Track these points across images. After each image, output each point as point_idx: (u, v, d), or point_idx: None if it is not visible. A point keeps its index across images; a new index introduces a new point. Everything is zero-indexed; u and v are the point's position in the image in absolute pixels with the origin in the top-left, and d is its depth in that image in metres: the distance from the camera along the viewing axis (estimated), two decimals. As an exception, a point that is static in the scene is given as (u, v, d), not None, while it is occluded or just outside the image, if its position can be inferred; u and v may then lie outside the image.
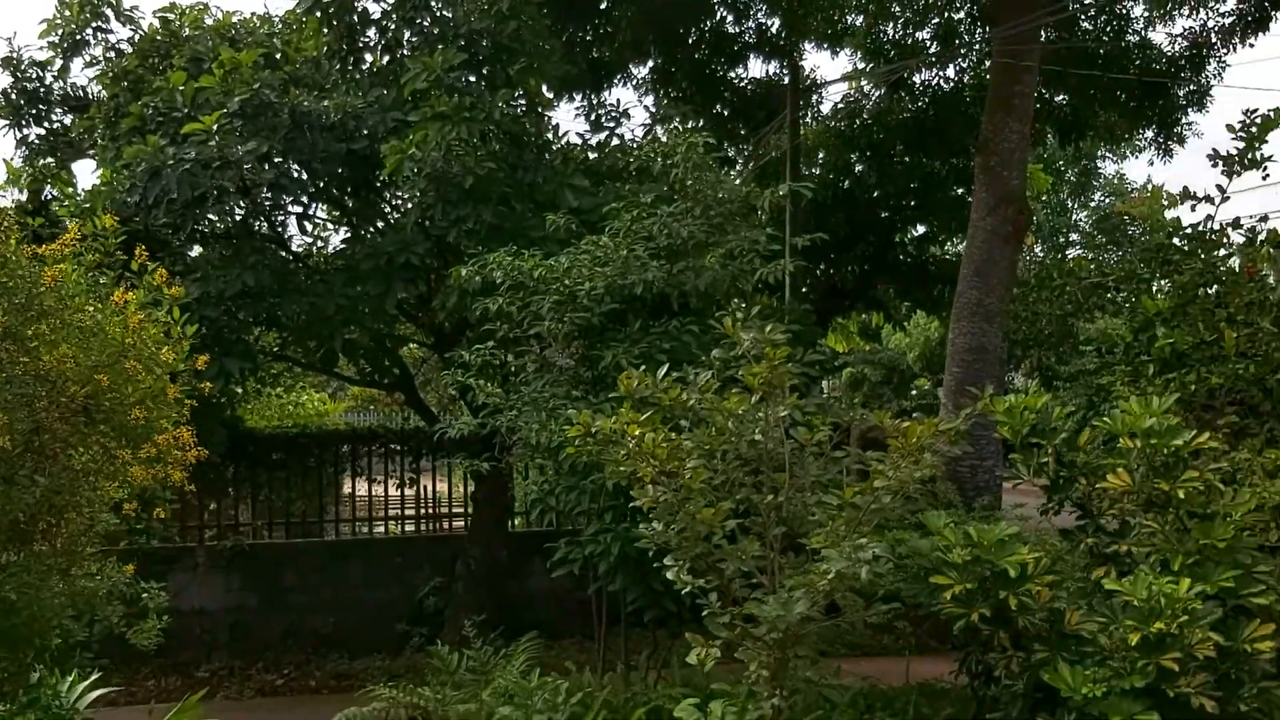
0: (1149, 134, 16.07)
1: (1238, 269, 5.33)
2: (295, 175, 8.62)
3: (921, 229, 19.58)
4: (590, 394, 6.26)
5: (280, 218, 9.68)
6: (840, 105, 18.12)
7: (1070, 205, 29.42)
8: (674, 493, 3.95)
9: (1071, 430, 4.67)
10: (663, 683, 6.32)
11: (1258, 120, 5.55)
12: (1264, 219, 5.88)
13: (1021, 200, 12.25)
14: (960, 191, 17.34)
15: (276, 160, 8.29)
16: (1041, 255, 25.60)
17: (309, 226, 10.12)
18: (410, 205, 8.63)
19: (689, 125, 15.29)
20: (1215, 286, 5.33)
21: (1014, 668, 4.27)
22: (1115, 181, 30.59)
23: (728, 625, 3.73)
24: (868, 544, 3.60)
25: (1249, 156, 5.66)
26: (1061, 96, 15.81)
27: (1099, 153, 27.06)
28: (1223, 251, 5.68)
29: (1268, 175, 5.72)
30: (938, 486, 10.23)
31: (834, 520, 3.98)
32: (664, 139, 9.03)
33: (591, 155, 10.18)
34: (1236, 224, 5.81)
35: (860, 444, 6.97)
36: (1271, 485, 4.26)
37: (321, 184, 9.09)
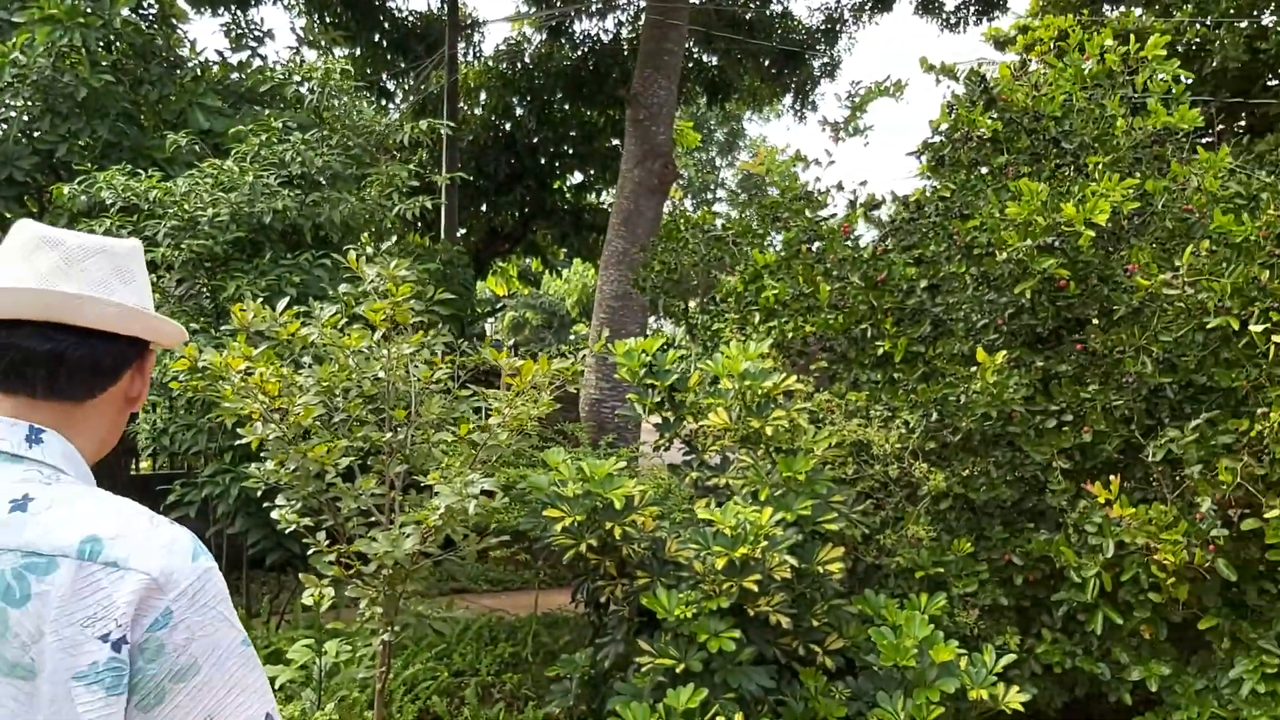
0: (787, 100, 17.27)
1: (837, 228, 5.84)
2: None
3: (579, 177, 20.02)
4: (212, 327, 5.93)
5: None
6: (502, 47, 18.09)
7: (718, 163, 31.08)
8: (285, 430, 3.84)
9: (682, 373, 4.97)
10: (285, 626, 6.17)
11: (860, 92, 6.08)
12: (864, 183, 6.48)
13: (668, 154, 12.80)
14: (616, 143, 17.88)
15: None
16: (691, 209, 26.99)
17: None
18: (12, 115, 7.75)
19: (343, 53, 14.72)
20: (817, 243, 5.81)
21: (618, 594, 4.52)
22: (760, 142, 32.66)
23: (335, 563, 3.69)
24: (477, 479, 3.66)
25: (852, 125, 6.18)
26: (710, 58, 16.63)
27: (745, 115, 28.70)
28: (827, 211, 6.21)
29: (868, 143, 6.29)
30: (581, 425, 10.59)
31: (451, 457, 4.03)
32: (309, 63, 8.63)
33: (233, 76, 9.57)
34: (840, 186, 6.36)
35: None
36: (849, 425, 4.74)
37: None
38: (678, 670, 4.15)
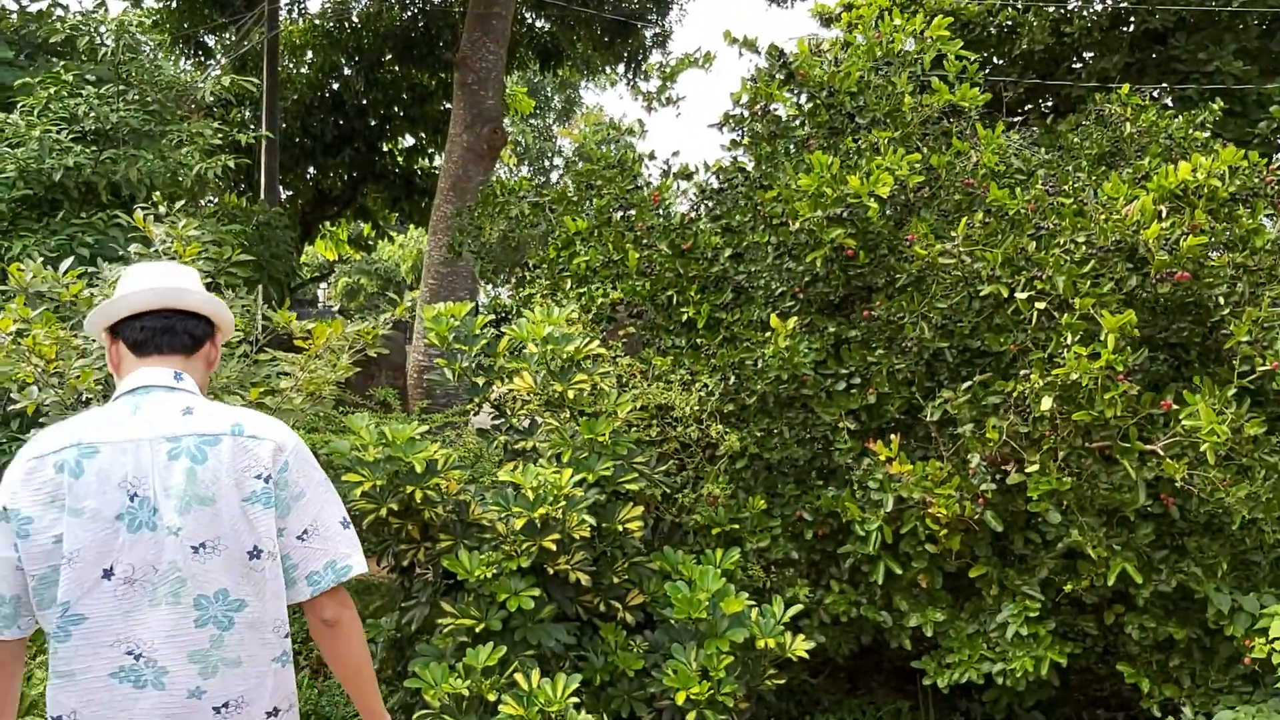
0: (620, 69, 17.36)
1: (648, 196, 5.96)
2: None
3: (410, 141, 19.68)
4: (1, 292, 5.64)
5: None
6: (328, 5, 17.58)
7: (555, 131, 31.00)
8: (63, 395, 3.71)
9: (491, 337, 5.00)
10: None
11: (671, 63, 6.19)
12: (676, 153, 6.62)
13: (498, 119, 12.72)
14: (448, 106, 17.64)
15: None
16: (528, 176, 26.88)
17: None
18: None
19: (157, 4, 14.03)
20: (629, 211, 5.92)
21: (421, 557, 4.55)
22: (596, 111, 32.71)
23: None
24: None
25: (665, 95, 6.29)
26: (543, 23, 16.56)
27: (581, 83, 28.70)
28: (640, 180, 6.31)
29: (680, 114, 6.42)
30: (391, 392, 10.47)
31: (243, 421, 3.96)
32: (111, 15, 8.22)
33: (30, 27, 9.03)
34: (653, 155, 6.48)
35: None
36: (652, 388, 4.88)
37: None
38: (478, 630, 4.22)
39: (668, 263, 5.52)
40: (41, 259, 4.94)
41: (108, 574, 2.15)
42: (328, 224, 22.46)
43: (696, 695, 4.23)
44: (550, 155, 30.40)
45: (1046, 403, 4.21)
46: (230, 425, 2.29)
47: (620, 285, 5.49)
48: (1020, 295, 4.45)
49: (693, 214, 6.01)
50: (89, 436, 2.19)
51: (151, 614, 2.17)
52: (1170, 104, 10.43)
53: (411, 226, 26.48)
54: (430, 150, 19.68)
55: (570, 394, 4.58)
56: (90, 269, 4.36)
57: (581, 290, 5.57)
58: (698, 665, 4.34)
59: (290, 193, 19.22)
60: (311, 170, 19.05)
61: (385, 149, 19.16)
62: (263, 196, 12.59)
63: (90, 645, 2.15)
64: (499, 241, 6.85)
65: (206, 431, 2.26)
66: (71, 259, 4.27)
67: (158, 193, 4.76)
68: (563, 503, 4.25)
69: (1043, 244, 4.63)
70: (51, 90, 5.94)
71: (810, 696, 5.56)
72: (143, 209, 4.25)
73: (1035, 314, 4.44)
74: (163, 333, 2.37)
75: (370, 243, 26.59)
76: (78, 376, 3.64)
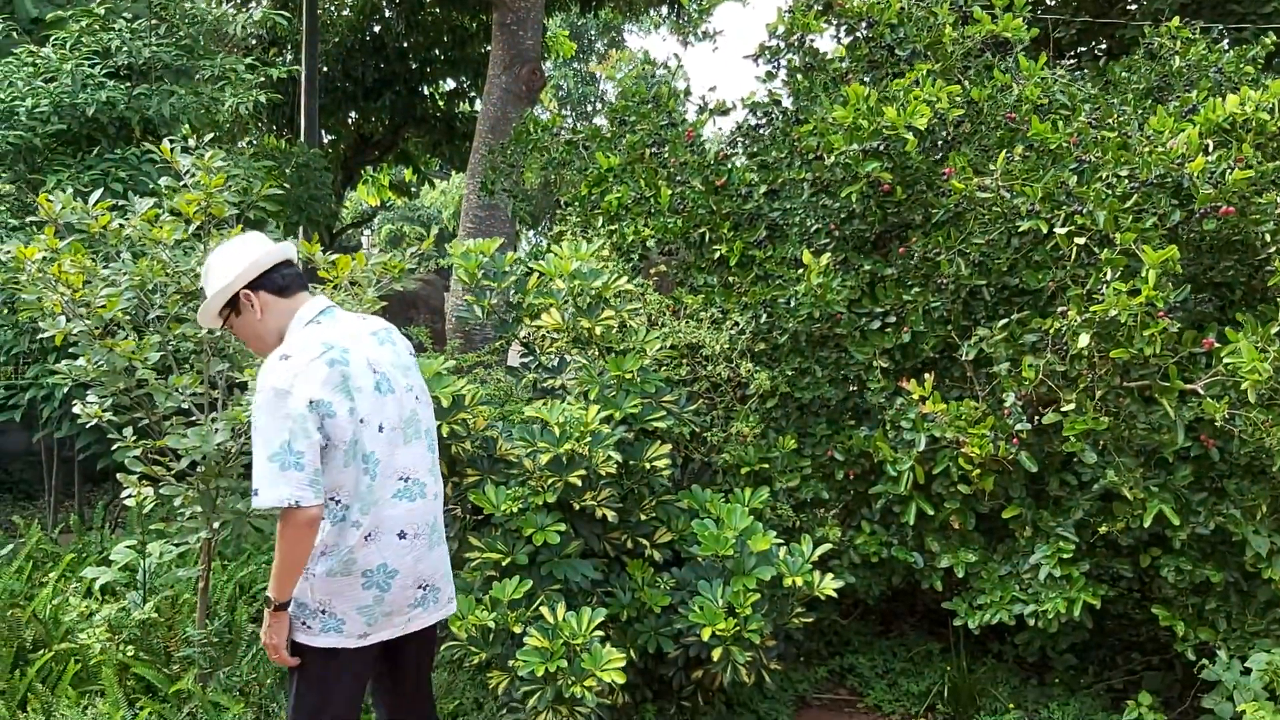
0: (663, 10, 17.09)
1: (681, 132, 5.85)
2: None
3: (451, 85, 19.56)
4: (36, 226, 5.68)
5: None
6: (368, -55, 17.44)
7: (598, 75, 30.71)
8: (90, 324, 3.72)
9: (520, 275, 4.96)
10: (121, 533, 6.06)
11: (706, -3, 6.05)
12: (713, 88, 6.49)
13: (536, 60, 12.58)
14: (488, 49, 17.48)
15: None
16: (570, 121, 26.64)
17: None
18: None
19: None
20: (662, 148, 5.83)
21: (449, 492, 4.56)
22: (640, 54, 32.32)
23: (146, 460, 3.62)
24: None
25: (700, 29, 6.15)
26: (583, -37, 16.31)
27: (625, 26, 28.33)
28: (675, 116, 6.20)
29: (717, 48, 6.28)
30: (450, 339, 10.47)
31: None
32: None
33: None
34: (688, 91, 6.36)
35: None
36: (682, 327, 4.82)
37: None
38: (505, 564, 4.22)
39: (701, 199, 5.43)
40: (74, 193, 4.95)
41: (380, 428, 2.92)
42: (369, 169, 22.46)
43: (722, 631, 4.21)
44: (592, 100, 30.12)
45: (1084, 340, 4.10)
46: (382, 327, 3.16)
47: (652, 223, 5.42)
48: (1060, 230, 4.32)
49: (728, 150, 5.90)
50: (333, 340, 2.89)
51: (406, 449, 3.02)
52: (1221, 39, 10.07)
53: (454, 172, 26.42)
54: (471, 94, 19.55)
55: (597, 330, 4.53)
56: (122, 202, 4.35)
57: (613, 228, 5.50)
58: (724, 602, 4.32)
59: (332, 137, 19.21)
60: (352, 114, 19.02)
61: (426, 92, 19.07)
62: (302, 139, 12.57)
63: (382, 477, 2.93)
64: (540, 189, 6.79)
65: (380, 326, 3.14)
66: (102, 191, 4.27)
67: (188, 125, 4.75)
68: (588, 439, 4.23)
69: (1084, 178, 4.49)
70: (84, 24, 5.92)
71: (840, 637, 5.54)
72: (172, 142, 4.23)
73: (1075, 249, 4.32)
74: (297, 277, 3.05)
75: (413, 188, 26.58)
76: (103, 305, 3.65)
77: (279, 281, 3.00)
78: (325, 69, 16.57)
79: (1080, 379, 4.26)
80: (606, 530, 4.57)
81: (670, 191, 5.47)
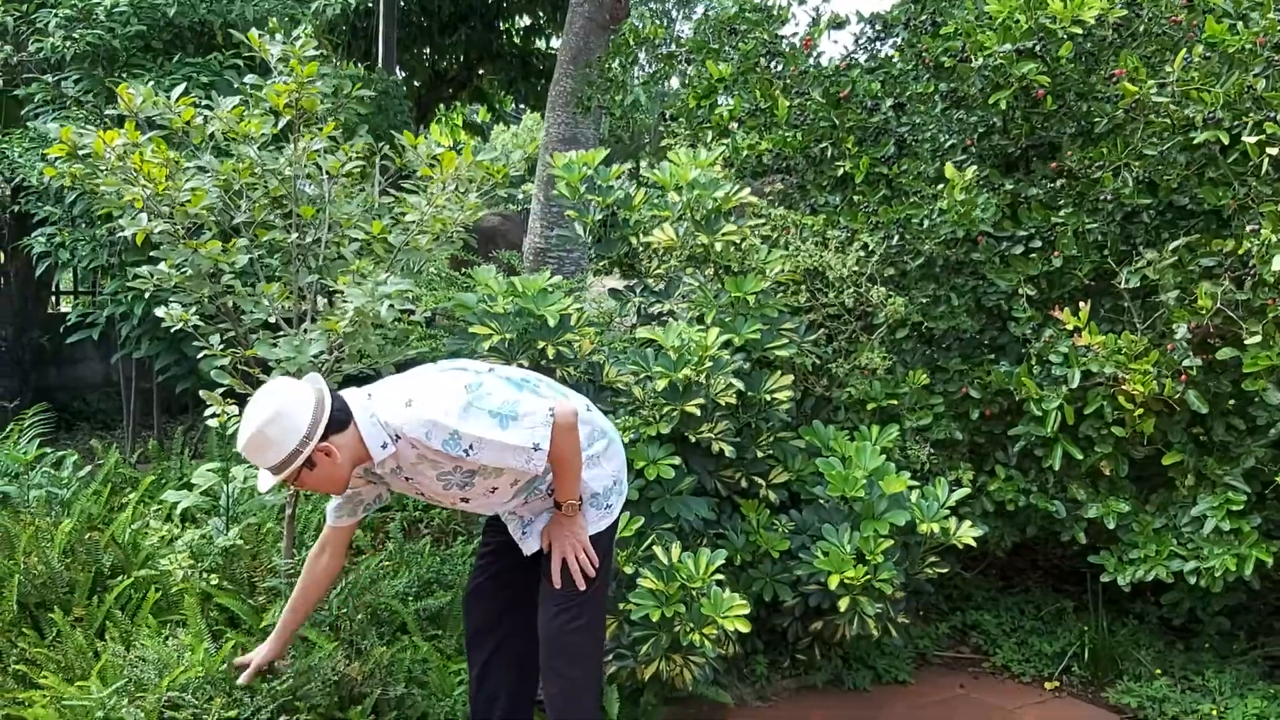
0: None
1: (798, 43, 5.38)
2: None
3: (527, 20, 19.07)
4: (116, 120, 5.39)
5: None
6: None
7: (675, 15, 29.94)
8: (173, 222, 3.40)
9: (626, 189, 4.57)
10: (202, 460, 5.82)
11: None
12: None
13: (620, -13, 12.08)
14: (567, -18, 16.95)
15: None
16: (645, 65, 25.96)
17: None
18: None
19: None
20: (776, 58, 5.36)
21: (551, 420, 4.20)
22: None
23: (232, 371, 3.31)
24: (392, 279, 3.26)
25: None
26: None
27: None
28: (788, 28, 5.72)
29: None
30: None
31: (362, 259, 3.62)
32: None
33: None
34: (802, 0, 5.87)
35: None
36: (805, 247, 4.39)
37: None
38: (612, 498, 3.86)
39: (821, 112, 4.97)
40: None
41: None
42: (443, 108, 22.10)
43: (851, 580, 3.83)
44: (669, 42, 29.34)
45: (1278, 263, 3.60)
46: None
47: (767, 137, 4.97)
48: (1249, 139, 3.80)
49: (846, 61, 5.41)
50: None
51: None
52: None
53: (527, 112, 25.96)
54: (548, 30, 19.04)
55: (717, 247, 4.12)
56: (205, 101, 4.01)
57: (724, 143, 5.06)
58: (852, 548, 3.93)
59: (406, 74, 18.85)
60: (427, 51, 18.63)
61: (502, 28, 18.61)
62: (379, 63, 12.24)
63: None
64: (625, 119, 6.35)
65: None
66: (183, 87, 3.93)
67: (274, 19, 4.40)
68: (708, 364, 3.83)
69: (1273, 82, 3.96)
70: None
71: (961, 591, 5.13)
72: (259, 33, 3.88)
73: (1265, 161, 3.80)
74: (341, 402, 2.77)
75: (486, 128, 26.18)
76: (188, 200, 3.32)
77: (339, 418, 2.70)
78: (402, 3, 16.19)
79: (1267, 308, 3.76)
80: (719, 467, 4.19)
81: (788, 103, 5.01)
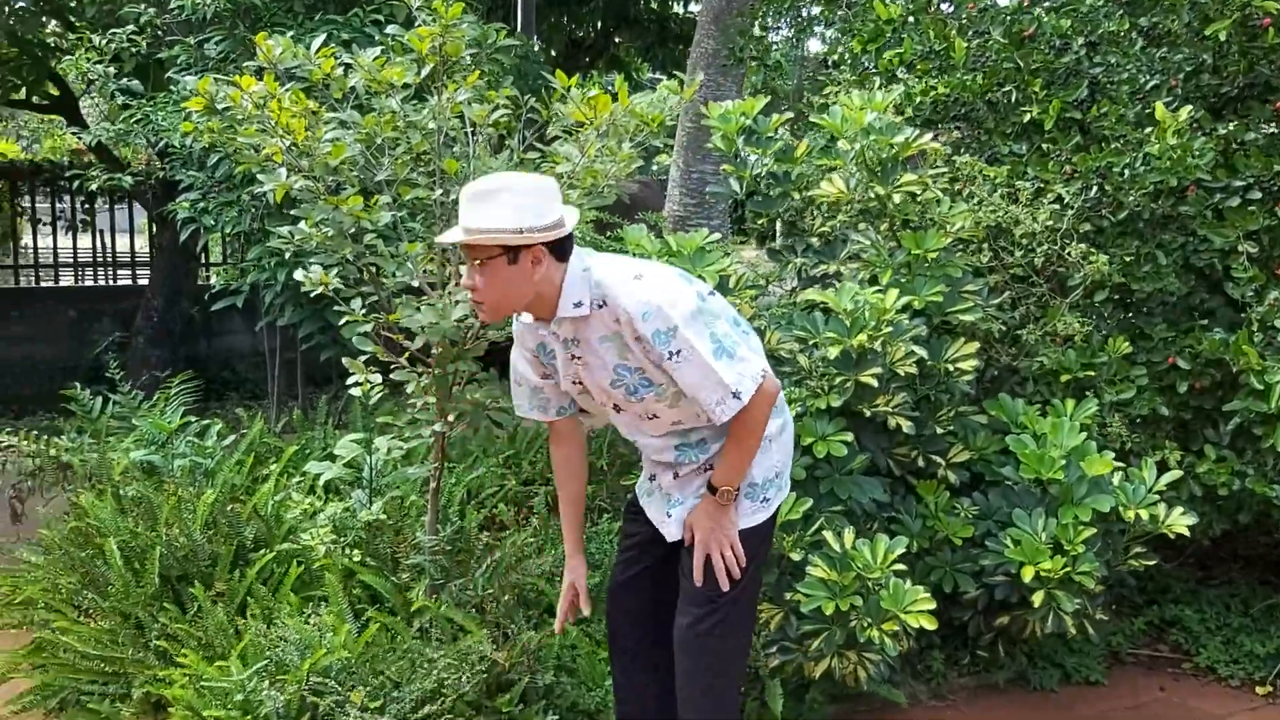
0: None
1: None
2: None
3: (665, -17, 18.70)
4: (255, 72, 5.27)
5: None
6: None
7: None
8: (313, 178, 3.19)
9: (788, 140, 4.20)
10: (345, 430, 5.71)
11: None
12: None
13: (763, -58, 11.61)
14: (706, -58, 16.50)
15: None
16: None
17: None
18: None
19: None
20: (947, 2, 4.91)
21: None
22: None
23: (373, 337, 3.09)
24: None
25: None
26: None
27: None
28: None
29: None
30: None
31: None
32: None
33: None
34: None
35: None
36: (994, 199, 3.94)
37: None
38: (777, 476, 3.52)
39: (1004, 52, 4.50)
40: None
41: None
42: (579, 76, 21.94)
43: (1048, 572, 3.41)
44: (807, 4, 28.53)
45: None
46: None
47: (943, 81, 4.53)
48: None
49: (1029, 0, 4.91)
50: None
51: None
52: None
53: (663, 84, 25.63)
54: (687, -7, 18.64)
55: (895, 198, 3.72)
56: (345, 55, 3.81)
57: (893, 90, 4.63)
58: (1048, 536, 3.51)
59: (543, 43, 18.71)
60: (565, 19, 18.44)
61: (639, -8, 18.28)
62: (518, 25, 12.07)
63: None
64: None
65: None
66: (324, 37, 3.73)
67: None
68: (885, 330, 3.45)
69: None
70: None
71: (1157, 583, 4.63)
72: (399, -21, 3.63)
73: None
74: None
75: (616, 95, 25.91)
76: (328, 152, 3.10)
77: (565, 245, 2.48)
78: (539, -34, 15.99)
79: None
80: (894, 444, 3.81)
81: (965, 45, 4.55)
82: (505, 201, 2.38)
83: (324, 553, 3.48)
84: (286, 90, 3.37)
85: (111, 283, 11.09)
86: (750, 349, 2.51)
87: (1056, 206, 4.00)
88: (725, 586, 2.61)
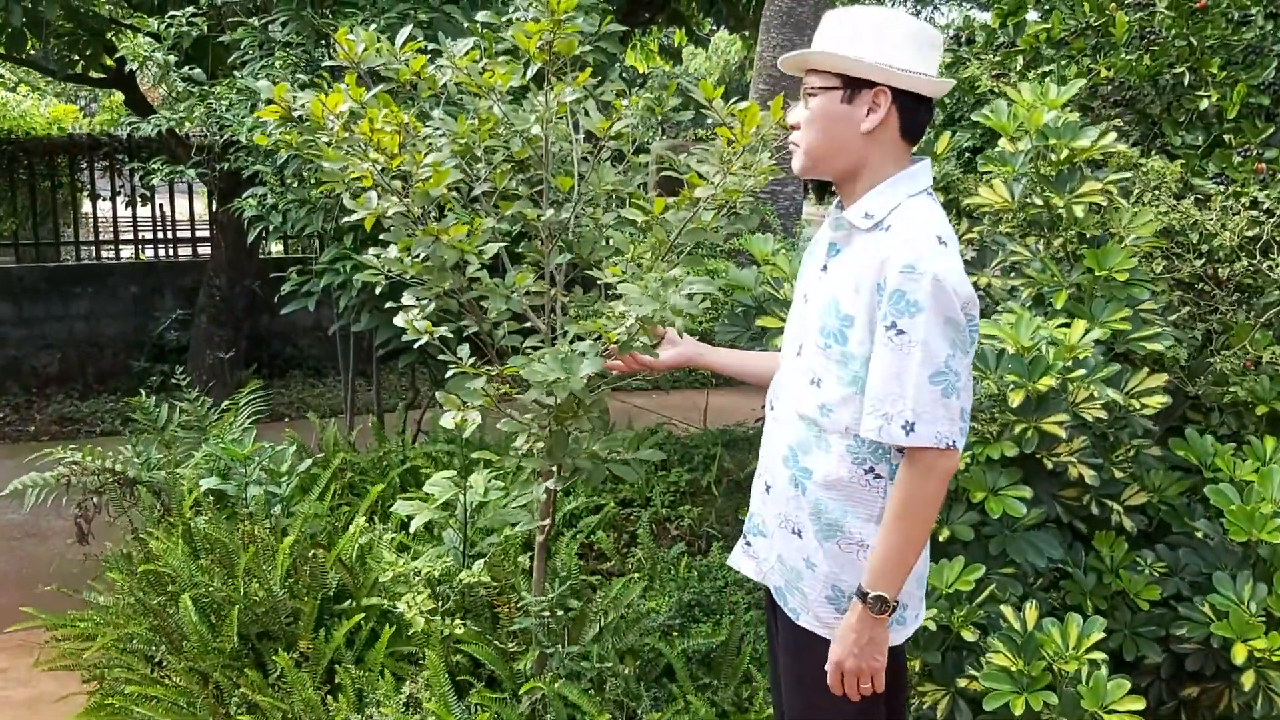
0: None
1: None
2: None
3: (730, -68, 17.96)
4: (330, 82, 4.83)
5: None
6: None
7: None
8: (409, 202, 2.73)
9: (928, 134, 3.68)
10: (423, 440, 5.32)
11: None
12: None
13: (844, -108, 10.91)
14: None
15: None
16: None
17: None
18: None
19: None
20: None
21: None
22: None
23: (484, 391, 2.65)
24: (685, 278, 2.51)
25: None
26: None
27: None
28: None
29: None
30: (760, 208, 9.33)
31: (636, 245, 2.89)
32: None
33: None
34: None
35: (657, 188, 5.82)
36: (1182, 205, 3.40)
37: None
38: (941, 538, 3.05)
39: (1174, 27, 3.92)
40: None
41: None
42: (638, 33, 21.25)
43: (1262, 652, 2.92)
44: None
45: None
46: None
47: (1103, 60, 3.96)
48: None
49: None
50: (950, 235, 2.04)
51: None
52: None
53: (718, 36, 24.81)
54: (752, -55, 17.88)
55: (1076, 211, 3.19)
56: (431, 45, 3.35)
57: (1044, 70, 4.08)
58: (1259, 606, 3.02)
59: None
60: (624, -29, 17.80)
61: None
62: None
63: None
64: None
65: None
66: (410, 28, 3.26)
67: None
68: (1078, 371, 2.95)
69: None
70: None
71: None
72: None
73: None
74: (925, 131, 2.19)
75: (677, 51, 25.16)
76: (428, 178, 2.65)
77: (919, 119, 2.09)
78: (600, -81, 15.35)
79: None
80: (1061, 486, 3.32)
81: (1127, 19, 3.98)
82: (869, 31, 2.02)
83: (422, 624, 3.07)
84: (372, 95, 2.92)
85: (173, 257, 10.81)
86: (964, 411, 1.99)
87: (1254, 213, 3.44)
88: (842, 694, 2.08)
